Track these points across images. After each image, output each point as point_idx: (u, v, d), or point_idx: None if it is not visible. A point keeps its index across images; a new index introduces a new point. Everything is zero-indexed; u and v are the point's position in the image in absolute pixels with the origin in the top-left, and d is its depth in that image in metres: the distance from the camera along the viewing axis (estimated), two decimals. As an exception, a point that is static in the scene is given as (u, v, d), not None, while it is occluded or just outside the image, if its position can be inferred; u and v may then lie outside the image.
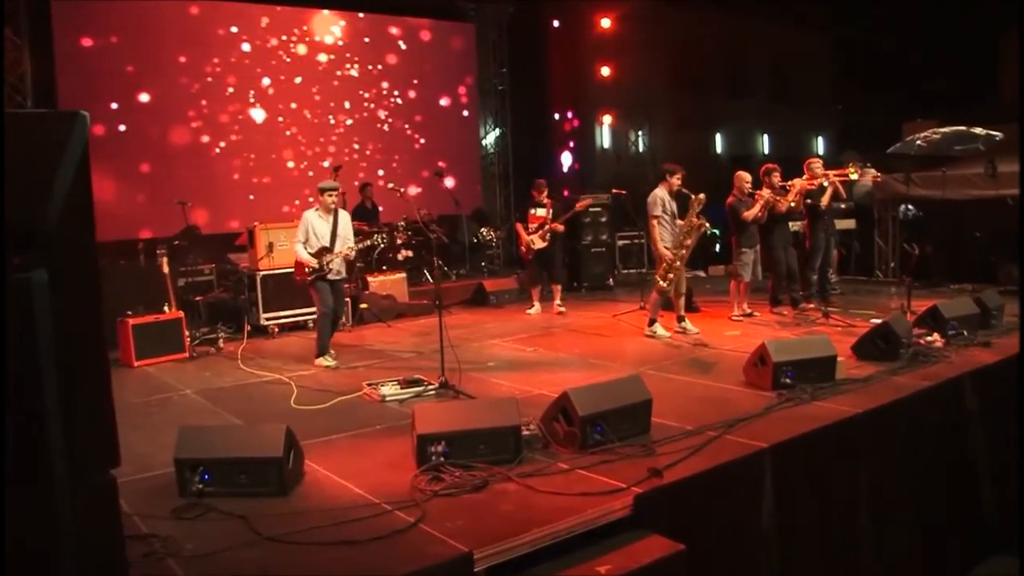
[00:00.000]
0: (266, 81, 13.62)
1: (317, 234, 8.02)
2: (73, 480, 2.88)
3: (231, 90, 13.30)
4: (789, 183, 9.48)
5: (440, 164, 15.47)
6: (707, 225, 8.62)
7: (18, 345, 2.82)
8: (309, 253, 7.94)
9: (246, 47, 13.44)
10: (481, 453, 4.67)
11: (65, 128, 2.94)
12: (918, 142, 23.19)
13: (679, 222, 8.67)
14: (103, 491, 2.96)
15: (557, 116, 19.45)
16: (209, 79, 13.08)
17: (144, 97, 12.39)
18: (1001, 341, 7.76)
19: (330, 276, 8.01)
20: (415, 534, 3.77)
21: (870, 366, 6.81)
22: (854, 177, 9.71)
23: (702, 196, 8.52)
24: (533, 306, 10.87)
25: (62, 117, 2.95)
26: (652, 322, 8.83)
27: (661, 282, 8.56)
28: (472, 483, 4.36)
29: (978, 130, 22.22)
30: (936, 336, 7.50)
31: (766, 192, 9.29)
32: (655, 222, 8.65)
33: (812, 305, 9.74)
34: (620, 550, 3.91)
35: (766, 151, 25.55)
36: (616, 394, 5.17)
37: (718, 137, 24.27)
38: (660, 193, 8.78)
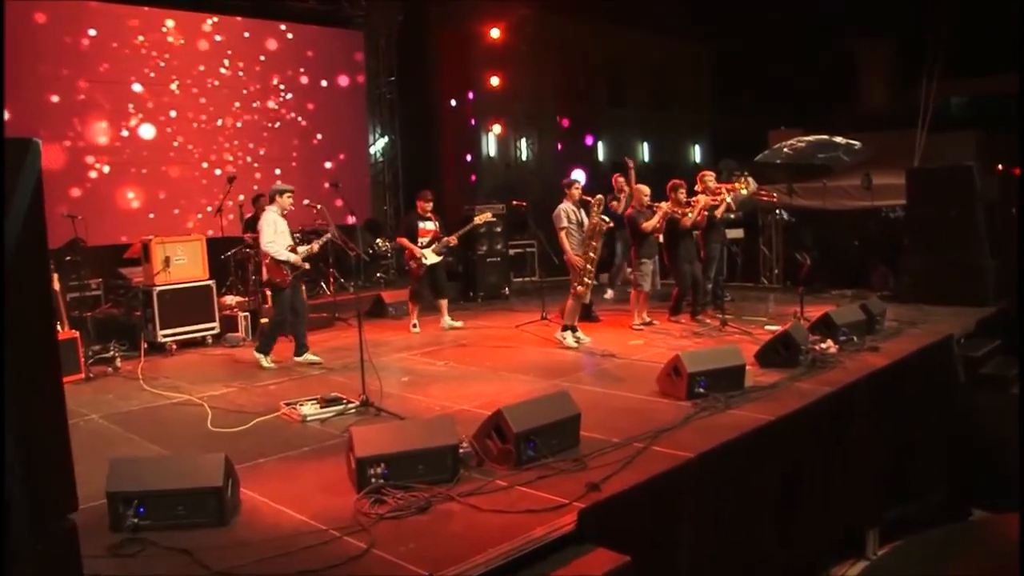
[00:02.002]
0: (138, 87, 13.04)
1: (285, 233, 8.39)
2: (33, 528, 2.77)
3: (106, 105, 12.71)
4: (693, 199, 9.82)
5: (332, 163, 15.38)
6: (609, 222, 8.98)
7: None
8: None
9: (112, 54, 12.72)
10: (420, 473, 4.69)
11: (18, 156, 2.84)
12: (785, 150, 24.30)
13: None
14: (64, 537, 2.86)
15: (454, 102, 19.44)
16: (81, 96, 12.40)
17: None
18: (887, 345, 8.26)
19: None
20: (371, 560, 3.77)
21: (774, 373, 7.16)
22: (744, 192, 10.12)
23: (600, 196, 9.01)
24: (414, 324, 10.41)
25: (14, 145, 2.84)
26: (573, 328, 9.04)
27: (579, 287, 8.80)
28: (416, 505, 4.38)
29: (839, 139, 23.48)
30: (830, 343, 7.92)
31: (665, 205, 9.59)
32: (563, 234, 8.92)
33: (709, 313, 10.12)
34: (570, 565, 4.00)
35: (646, 158, 26.29)
36: (547, 410, 5.29)
37: (600, 145, 24.81)
38: (564, 206, 9.07)
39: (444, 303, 10.55)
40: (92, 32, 12.56)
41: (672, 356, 6.63)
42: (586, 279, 8.83)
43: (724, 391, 6.42)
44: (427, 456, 4.74)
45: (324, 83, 15.49)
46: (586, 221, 8.97)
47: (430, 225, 10.28)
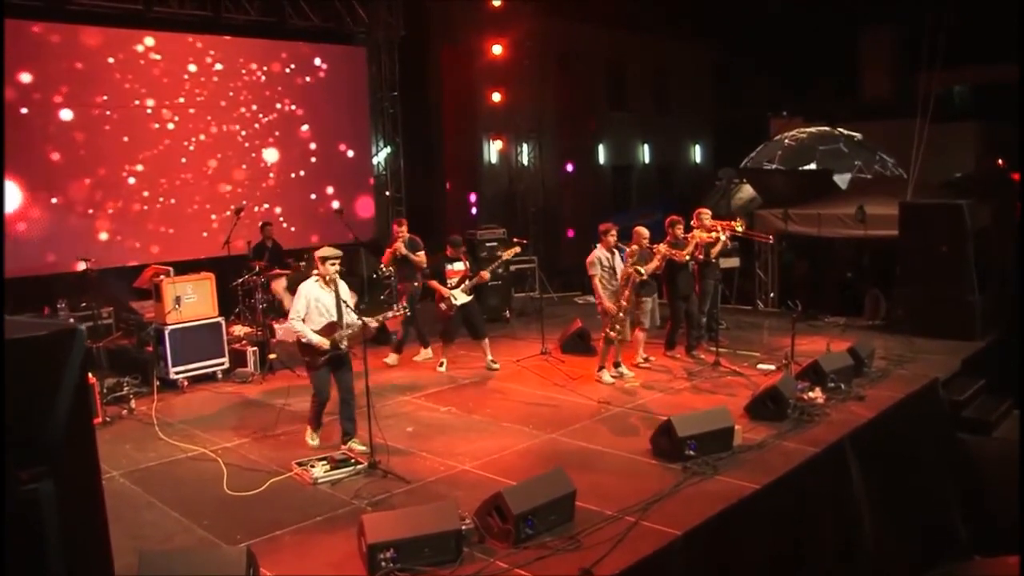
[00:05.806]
0: (139, 114, 13.19)
1: (321, 307, 7.36)
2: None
3: (126, 138, 12.98)
4: (689, 236, 10.14)
5: (335, 180, 15.68)
6: (642, 274, 9.25)
7: (28, 556, 3.03)
8: (315, 331, 7.30)
9: (102, 90, 12.78)
10: (425, 556, 5.05)
11: (64, 344, 3.16)
12: (786, 141, 24.47)
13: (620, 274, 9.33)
14: None
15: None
16: (82, 152, 12.53)
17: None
18: (873, 392, 8.64)
19: (342, 348, 7.47)
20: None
21: (762, 428, 7.52)
22: (740, 230, 10.40)
23: (635, 247, 9.36)
24: (441, 363, 10.54)
25: (61, 334, 3.15)
26: (607, 366, 9.48)
27: (611, 333, 9.20)
28: (423, 593, 4.74)
29: (840, 130, 23.68)
30: (818, 391, 8.27)
31: (663, 247, 9.87)
32: (596, 280, 9.31)
33: (703, 347, 10.44)
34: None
35: (647, 160, 26.50)
36: (544, 489, 5.64)
37: (601, 148, 25.00)
38: (598, 253, 9.41)
39: (486, 343, 10.46)
40: (79, 64, 12.47)
41: (663, 420, 6.97)
42: (618, 326, 9.20)
43: (713, 452, 6.78)
44: (433, 540, 5.10)
45: (327, 99, 15.70)
46: (619, 268, 9.34)
47: (459, 266, 10.29)
